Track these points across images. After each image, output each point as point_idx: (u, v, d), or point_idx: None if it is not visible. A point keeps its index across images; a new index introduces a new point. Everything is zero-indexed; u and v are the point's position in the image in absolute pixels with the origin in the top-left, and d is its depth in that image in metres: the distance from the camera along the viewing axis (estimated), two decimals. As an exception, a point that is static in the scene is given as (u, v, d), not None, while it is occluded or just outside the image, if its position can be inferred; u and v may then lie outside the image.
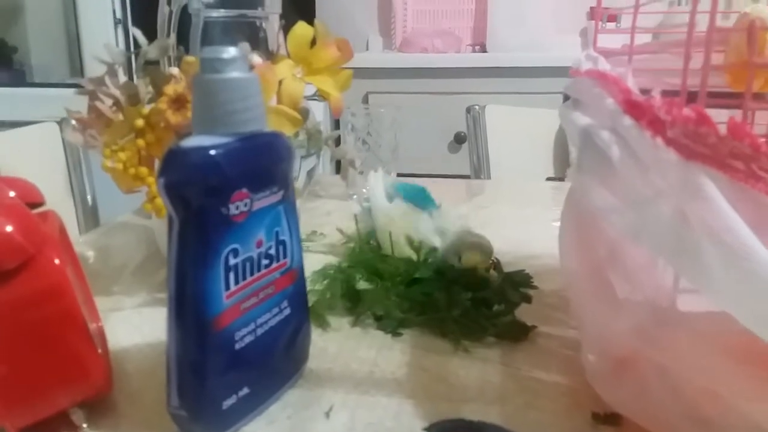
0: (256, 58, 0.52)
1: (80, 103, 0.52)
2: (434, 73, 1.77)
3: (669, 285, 0.30)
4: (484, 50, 2.06)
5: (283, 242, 0.38)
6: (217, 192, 0.32)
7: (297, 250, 0.39)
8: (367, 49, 2.18)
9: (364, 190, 0.63)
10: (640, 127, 0.31)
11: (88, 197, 0.86)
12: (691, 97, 0.31)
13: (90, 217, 0.85)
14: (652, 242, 0.29)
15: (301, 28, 0.56)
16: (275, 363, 0.38)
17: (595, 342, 0.36)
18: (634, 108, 0.32)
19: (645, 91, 0.38)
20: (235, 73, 0.33)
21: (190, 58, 0.49)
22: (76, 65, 1.66)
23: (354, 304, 0.49)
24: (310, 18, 0.56)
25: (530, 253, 0.63)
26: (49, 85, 1.38)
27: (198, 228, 0.32)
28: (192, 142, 0.32)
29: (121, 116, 0.50)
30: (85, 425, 0.35)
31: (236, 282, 0.34)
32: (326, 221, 0.75)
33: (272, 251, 0.37)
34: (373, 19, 2.18)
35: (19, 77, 1.60)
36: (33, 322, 0.33)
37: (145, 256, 0.62)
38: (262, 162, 0.35)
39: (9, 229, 0.31)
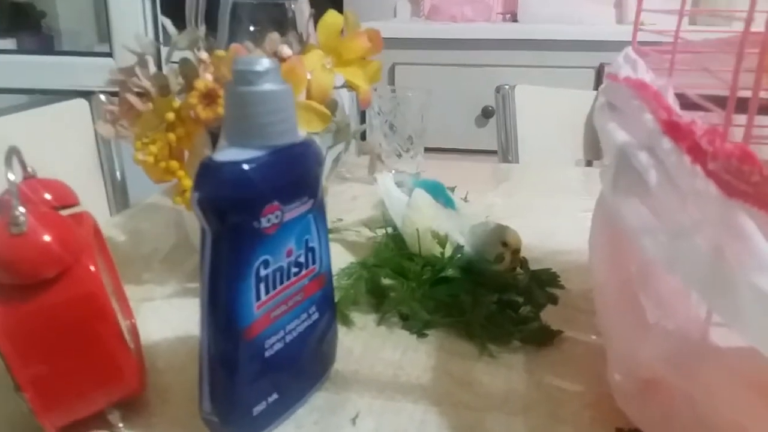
0: (286, 50, 0.52)
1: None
2: (463, 44, 1.74)
3: (701, 316, 0.30)
4: (515, 19, 2.01)
5: (312, 249, 0.38)
6: (249, 206, 0.33)
7: (325, 254, 0.40)
8: (395, 16, 2.15)
9: (377, 181, 0.63)
10: (680, 151, 0.30)
11: (117, 173, 0.87)
12: (741, 104, 0.30)
13: (119, 193, 0.86)
14: (686, 274, 0.28)
15: (331, 16, 0.55)
16: (303, 368, 0.39)
17: (622, 361, 0.36)
18: (674, 130, 0.31)
19: (684, 99, 0.37)
20: (268, 86, 0.33)
21: (220, 52, 0.49)
22: (104, 31, 1.66)
23: (379, 301, 0.50)
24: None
25: (558, 248, 0.62)
26: (77, 53, 1.38)
27: (230, 241, 0.33)
28: (225, 155, 0.32)
29: (151, 106, 0.50)
30: (121, 425, 0.36)
31: (267, 292, 0.35)
32: (352, 206, 0.75)
33: (302, 259, 0.37)
34: (402, -14, 2.14)
35: (47, 42, 1.61)
36: (70, 327, 0.34)
37: (175, 241, 0.63)
38: (293, 174, 0.35)
39: (47, 239, 0.32)
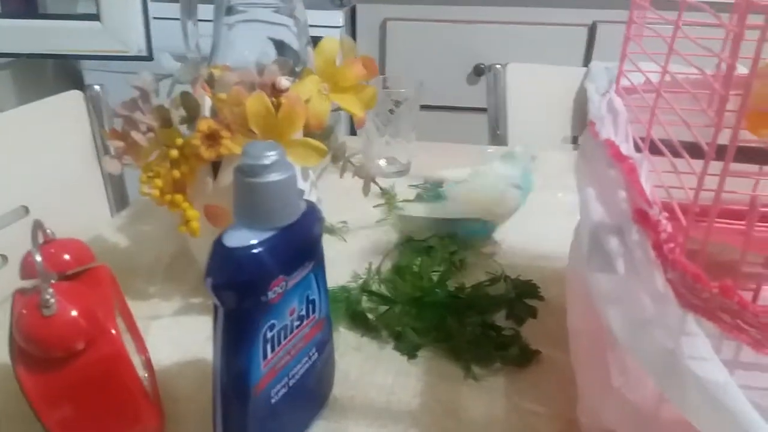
0: (284, 82, 0.53)
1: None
2: (455, -1, 1.72)
3: (656, 393, 0.34)
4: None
5: (312, 301, 0.42)
6: (259, 284, 0.36)
7: (324, 301, 0.43)
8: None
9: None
10: (646, 243, 0.34)
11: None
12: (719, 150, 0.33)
13: (117, 187, 0.88)
14: (643, 360, 0.32)
15: (328, 42, 0.57)
16: (306, 404, 0.43)
17: (588, 407, 0.41)
18: (643, 220, 0.35)
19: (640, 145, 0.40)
20: (273, 176, 0.35)
21: (222, 95, 0.50)
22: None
23: (364, 324, 0.54)
24: None
25: (541, 253, 0.66)
26: (62, 16, 1.36)
27: (240, 315, 0.36)
28: (235, 238, 0.35)
29: (152, 135, 0.52)
30: (143, 462, 0.41)
31: (272, 350, 0.38)
32: (347, 202, 0.77)
33: (303, 312, 0.41)
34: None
35: (30, 5, 1.57)
36: (96, 382, 0.38)
37: (175, 249, 0.66)
38: (297, 246, 0.38)
39: (75, 314, 0.35)
